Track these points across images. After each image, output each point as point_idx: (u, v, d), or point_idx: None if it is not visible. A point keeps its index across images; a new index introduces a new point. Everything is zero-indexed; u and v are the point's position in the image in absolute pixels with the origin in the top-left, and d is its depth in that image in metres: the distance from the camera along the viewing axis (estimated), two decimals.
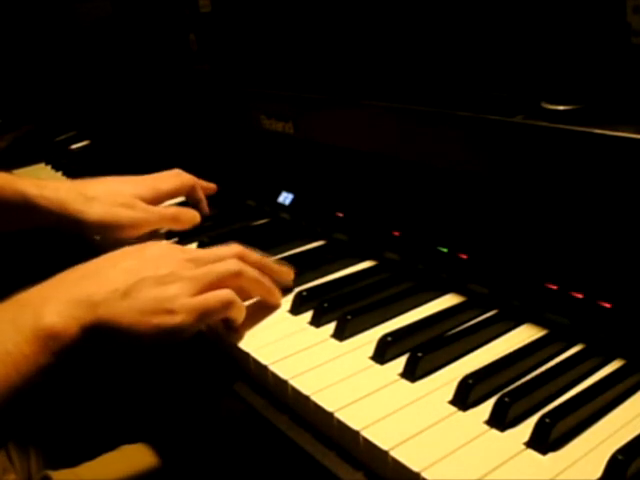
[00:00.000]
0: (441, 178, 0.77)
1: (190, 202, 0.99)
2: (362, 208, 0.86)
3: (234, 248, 0.71)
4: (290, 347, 0.65)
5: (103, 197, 0.88)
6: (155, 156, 1.29)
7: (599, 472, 0.48)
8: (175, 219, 0.91)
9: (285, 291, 0.75)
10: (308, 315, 0.71)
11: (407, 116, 0.79)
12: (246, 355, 0.65)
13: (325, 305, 0.70)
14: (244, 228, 0.96)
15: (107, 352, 0.62)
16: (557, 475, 0.48)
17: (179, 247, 0.72)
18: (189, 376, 0.77)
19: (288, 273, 0.76)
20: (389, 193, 0.84)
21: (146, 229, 0.90)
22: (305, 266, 0.80)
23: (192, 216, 0.92)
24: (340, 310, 0.69)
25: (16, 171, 1.37)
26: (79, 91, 1.61)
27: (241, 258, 0.70)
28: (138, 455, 0.85)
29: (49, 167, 1.39)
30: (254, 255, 0.72)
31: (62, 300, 0.59)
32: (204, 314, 0.62)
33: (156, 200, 0.93)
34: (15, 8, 1.63)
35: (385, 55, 0.90)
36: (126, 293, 0.60)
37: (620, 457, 0.47)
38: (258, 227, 0.96)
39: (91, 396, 0.94)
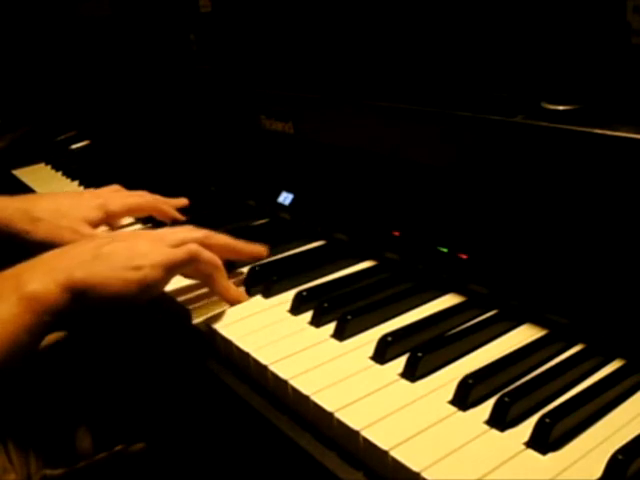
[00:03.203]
0: (441, 178, 0.77)
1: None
2: (362, 208, 0.86)
3: (199, 232, 0.75)
4: (290, 347, 0.65)
5: (49, 218, 0.88)
6: (155, 156, 1.29)
7: (599, 472, 0.48)
8: None
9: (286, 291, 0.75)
10: (308, 315, 0.71)
11: (407, 116, 0.79)
12: (246, 355, 0.65)
13: (325, 305, 0.70)
14: (244, 228, 0.96)
15: (87, 310, 0.66)
16: (557, 475, 0.48)
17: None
18: (176, 367, 0.78)
19: (259, 250, 0.79)
20: (389, 193, 0.84)
21: None
22: (305, 266, 0.80)
23: None
24: (340, 310, 0.69)
25: (16, 171, 1.37)
26: (79, 91, 1.61)
27: (204, 241, 0.73)
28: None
29: (49, 167, 1.39)
30: (219, 238, 0.76)
31: (42, 270, 0.65)
32: (170, 267, 0.68)
33: (106, 221, 0.93)
34: (14, 8, 1.63)
35: (385, 55, 0.90)
36: (98, 256, 0.67)
37: (620, 457, 0.47)
38: (258, 227, 0.96)
39: (90, 396, 0.94)
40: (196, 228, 0.76)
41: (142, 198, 0.97)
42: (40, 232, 0.87)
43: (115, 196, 0.96)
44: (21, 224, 0.88)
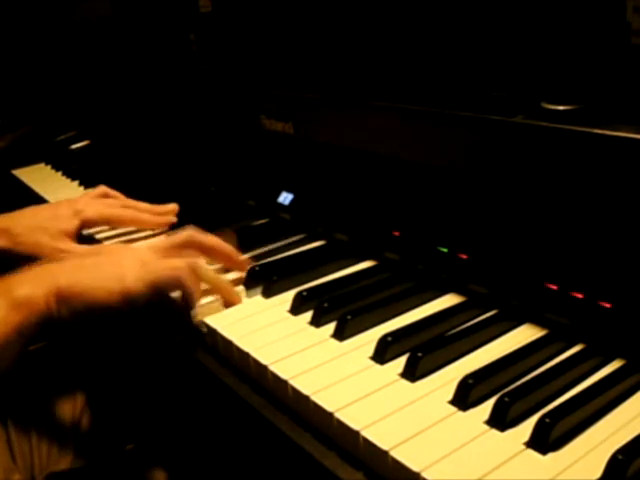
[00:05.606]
0: (441, 178, 0.77)
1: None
2: (362, 208, 0.86)
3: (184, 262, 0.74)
4: (290, 347, 0.65)
5: (30, 235, 0.90)
6: (155, 156, 1.29)
7: (599, 472, 0.48)
8: None
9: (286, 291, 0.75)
10: (308, 315, 0.71)
11: (407, 116, 0.79)
12: (246, 355, 0.65)
13: (325, 305, 0.70)
14: (244, 228, 0.96)
15: (74, 317, 0.67)
16: (557, 475, 0.48)
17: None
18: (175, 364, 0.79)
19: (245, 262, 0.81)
20: (389, 193, 0.84)
21: None
22: (305, 266, 0.80)
23: None
24: (340, 310, 0.69)
25: (16, 171, 1.37)
26: (79, 91, 1.61)
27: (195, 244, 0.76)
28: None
29: (49, 167, 1.39)
30: (209, 241, 0.78)
31: (30, 277, 0.68)
32: (153, 283, 0.69)
33: (83, 228, 0.94)
34: (15, 8, 1.63)
35: (385, 56, 0.90)
36: (83, 265, 0.70)
37: (620, 457, 0.47)
38: (258, 227, 0.96)
39: (91, 396, 0.94)
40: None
41: (121, 210, 0.96)
42: (20, 250, 0.89)
43: (93, 203, 0.96)
44: (1, 243, 0.90)
